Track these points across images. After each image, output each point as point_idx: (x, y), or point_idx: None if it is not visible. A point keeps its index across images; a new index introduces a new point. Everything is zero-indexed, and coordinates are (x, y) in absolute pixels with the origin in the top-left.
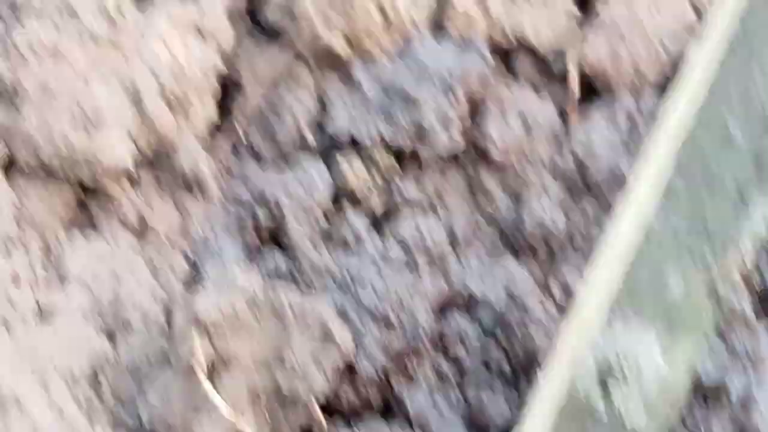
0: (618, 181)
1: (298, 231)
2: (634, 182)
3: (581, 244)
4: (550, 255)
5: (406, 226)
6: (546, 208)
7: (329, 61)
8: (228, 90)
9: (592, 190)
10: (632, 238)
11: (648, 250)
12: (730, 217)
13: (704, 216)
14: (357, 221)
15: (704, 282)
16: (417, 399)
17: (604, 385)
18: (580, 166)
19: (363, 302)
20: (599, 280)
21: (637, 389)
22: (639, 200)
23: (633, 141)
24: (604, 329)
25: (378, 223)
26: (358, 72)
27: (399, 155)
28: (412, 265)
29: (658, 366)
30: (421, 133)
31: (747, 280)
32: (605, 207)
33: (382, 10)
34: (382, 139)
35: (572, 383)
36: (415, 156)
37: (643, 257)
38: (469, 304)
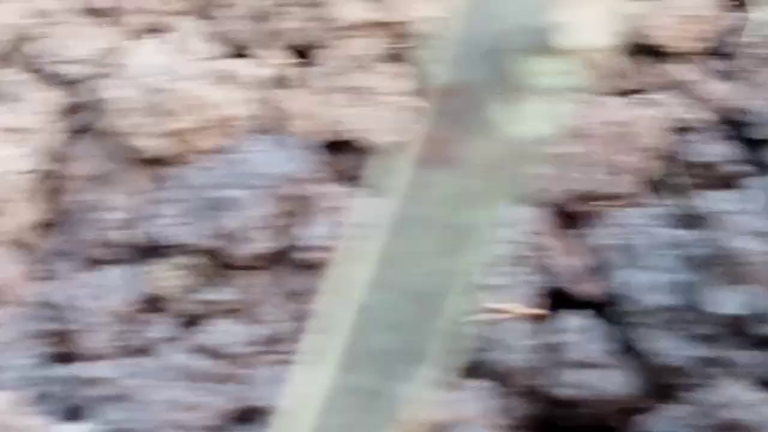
0: None
1: (94, 338)
2: None
3: None
4: None
5: (215, 331)
6: None
7: (146, 162)
8: (45, 190)
9: None
10: None
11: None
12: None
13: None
14: (162, 327)
15: None
16: None
17: None
18: None
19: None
20: None
21: None
22: None
23: None
24: None
25: (185, 328)
26: (174, 173)
27: (213, 257)
28: (213, 374)
29: None
30: (234, 235)
31: None
32: None
33: (201, 110)
34: (196, 242)
35: None
36: (228, 258)
37: None
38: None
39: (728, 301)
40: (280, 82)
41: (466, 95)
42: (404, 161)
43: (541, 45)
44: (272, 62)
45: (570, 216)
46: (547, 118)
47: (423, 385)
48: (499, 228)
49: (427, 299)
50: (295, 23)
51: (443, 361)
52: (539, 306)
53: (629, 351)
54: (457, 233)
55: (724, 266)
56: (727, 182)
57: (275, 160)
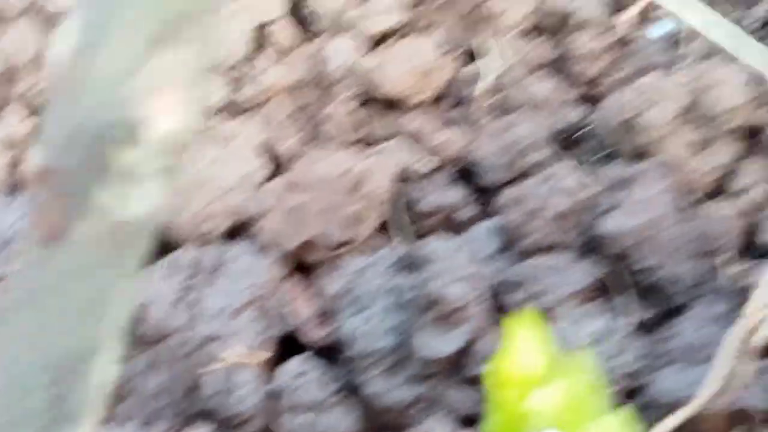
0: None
1: None
2: None
3: None
4: None
5: None
6: None
7: None
8: None
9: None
10: None
11: None
12: None
13: None
14: None
15: None
16: None
17: None
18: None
19: None
20: None
21: None
22: None
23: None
24: None
25: None
26: None
27: None
28: None
29: None
30: None
31: None
32: None
33: None
34: None
35: None
36: None
37: None
38: None
39: (439, 343)
40: None
41: (66, 178)
42: (24, 240)
43: (128, 133)
44: None
45: (301, 264)
46: (145, 199)
47: None
48: (128, 295)
49: (67, 367)
50: None
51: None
52: (269, 353)
53: (352, 393)
54: (83, 305)
55: (435, 310)
56: (452, 227)
57: None
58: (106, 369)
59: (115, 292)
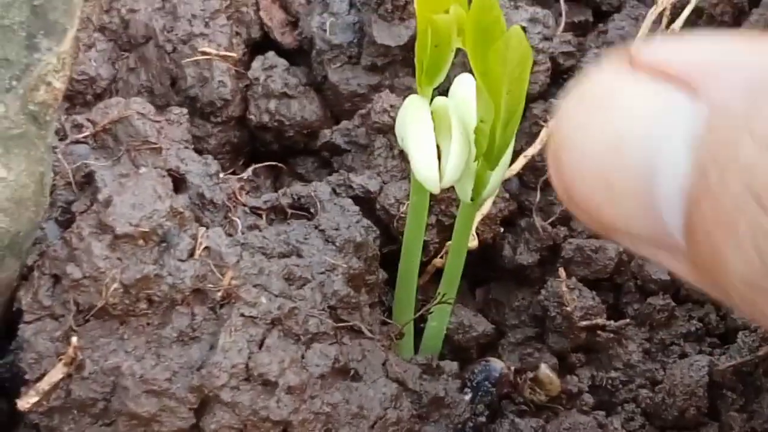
0: None
1: None
2: None
3: None
4: None
5: None
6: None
7: None
8: None
9: None
10: None
11: None
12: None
13: (3, 51)
14: None
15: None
16: None
17: None
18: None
19: None
20: None
21: None
22: None
23: None
24: None
25: None
26: None
27: None
28: None
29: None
30: None
31: None
32: None
33: None
34: None
35: None
36: None
37: None
38: None
39: (392, 33)
40: None
41: None
42: None
43: None
44: None
45: None
46: None
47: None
48: None
49: None
50: None
51: None
52: (243, 50)
53: (317, 83)
54: None
55: (386, 4)
56: None
57: None
58: None
59: None
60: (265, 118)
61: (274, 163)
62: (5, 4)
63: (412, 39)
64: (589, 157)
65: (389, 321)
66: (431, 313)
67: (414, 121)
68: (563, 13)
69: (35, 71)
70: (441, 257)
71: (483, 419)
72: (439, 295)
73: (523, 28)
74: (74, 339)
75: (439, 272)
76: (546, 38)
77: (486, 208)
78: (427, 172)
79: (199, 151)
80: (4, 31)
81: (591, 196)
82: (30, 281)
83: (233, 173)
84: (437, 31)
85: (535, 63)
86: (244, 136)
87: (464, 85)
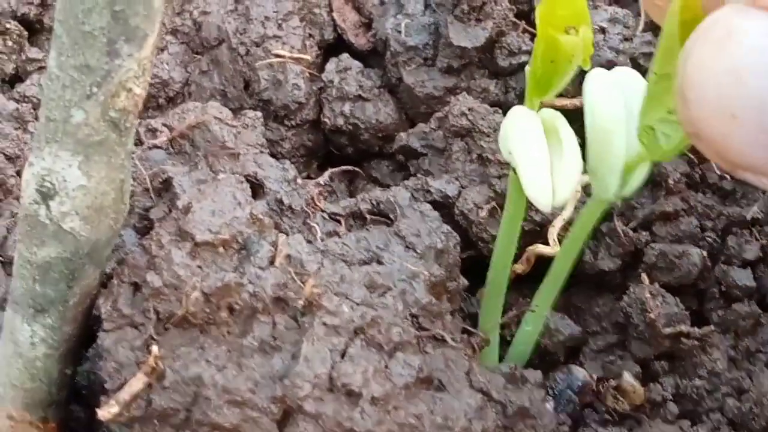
0: None
1: None
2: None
3: None
4: None
5: (31, 85)
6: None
7: None
8: None
9: None
10: None
11: (51, 90)
12: (103, 58)
13: (84, 57)
14: None
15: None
16: None
17: (44, 198)
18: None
19: None
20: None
21: (67, 199)
22: None
23: None
24: (37, 159)
25: (7, 84)
26: None
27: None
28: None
29: (79, 178)
30: (44, 2)
31: None
32: None
33: None
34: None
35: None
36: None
37: (50, 98)
38: None
39: (469, 35)
40: None
41: None
42: None
43: None
44: None
45: None
46: None
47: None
48: None
49: None
50: None
51: None
52: (317, 52)
53: (392, 85)
54: None
55: (463, 5)
56: None
57: None
58: None
59: None
60: (340, 121)
61: (350, 167)
62: (86, 10)
63: (489, 41)
64: (713, 91)
65: (471, 329)
66: (524, 318)
67: (524, 135)
68: (642, 12)
69: (116, 77)
70: (521, 263)
71: (566, 429)
72: (527, 301)
73: (603, 29)
74: (155, 348)
75: (519, 278)
76: (626, 39)
77: (567, 213)
78: (539, 191)
79: (274, 155)
80: (84, 37)
81: (717, 130)
82: (109, 289)
83: (308, 177)
84: (557, 48)
85: (615, 64)
86: (318, 140)
87: (597, 84)
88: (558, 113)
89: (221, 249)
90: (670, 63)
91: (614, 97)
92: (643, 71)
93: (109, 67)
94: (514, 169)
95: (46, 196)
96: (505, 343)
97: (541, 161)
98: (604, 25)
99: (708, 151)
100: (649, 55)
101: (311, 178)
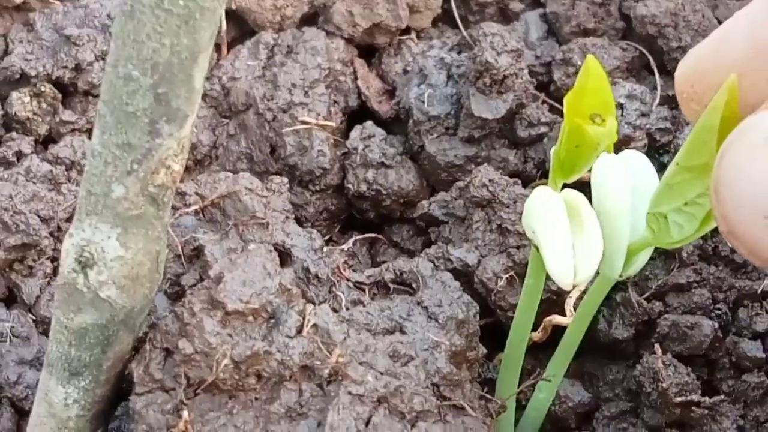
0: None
1: None
2: None
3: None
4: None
5: (65, 146)
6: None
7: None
8: None
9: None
10: None
11: (94, 165)
12: (144, 137)
13: (126, 136)
14: (22, 143)
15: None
16: None
17: (82, 267)
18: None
19: None
20: None
21: (105, 269)
22: None
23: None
24: (77, 230)
25: (41, 145)
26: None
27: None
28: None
29: (117, 249)
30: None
31: None
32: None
33: None
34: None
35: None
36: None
37: (92, 174)
38: None
39: (490, 106)
40: None
41: None
42: None
43: None
44: None
45: (369, 47)
46: None
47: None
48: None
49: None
50: None
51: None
52: (341, 119)
53: (414, 153)
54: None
55: (485, 78)
56: (506, 17)
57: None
58: (204, 72)
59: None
60: (363, 187)
61: (373, 235)
62: (130, 92)
63: (510, 112)
64: (748, 194)
65: (488, 396)
66: (537, 384)
67: (547, 215)
68: (658, 87)
69: (156, 155)
70: (539, 332)
71: None
72: (542, 365)
73: (621, 105)
74: (185, 413)
75: (535, 346)
76: (643, 114)
77: (584, 285)
78: (562, 270)
79: (298, 219)
80: (128, 117)
81: (750, 231)
82: (141, 354)
83: (331, 239)
84: (583, 135)
85: (632, 140)
86: (341, 204)
87: (605, 169)
88: (580, 194)
89: (251, 318)
90: (699, 156)
91: (621, 182)
92: (659, 146)
93: (150, 145)
94: (536, 247)
95: (84, 265)
96: (519, 407)
97: (564, 241)
98: (622, 101)
99: (741, 249)
100: (665, 131)
101: (334, 241)
